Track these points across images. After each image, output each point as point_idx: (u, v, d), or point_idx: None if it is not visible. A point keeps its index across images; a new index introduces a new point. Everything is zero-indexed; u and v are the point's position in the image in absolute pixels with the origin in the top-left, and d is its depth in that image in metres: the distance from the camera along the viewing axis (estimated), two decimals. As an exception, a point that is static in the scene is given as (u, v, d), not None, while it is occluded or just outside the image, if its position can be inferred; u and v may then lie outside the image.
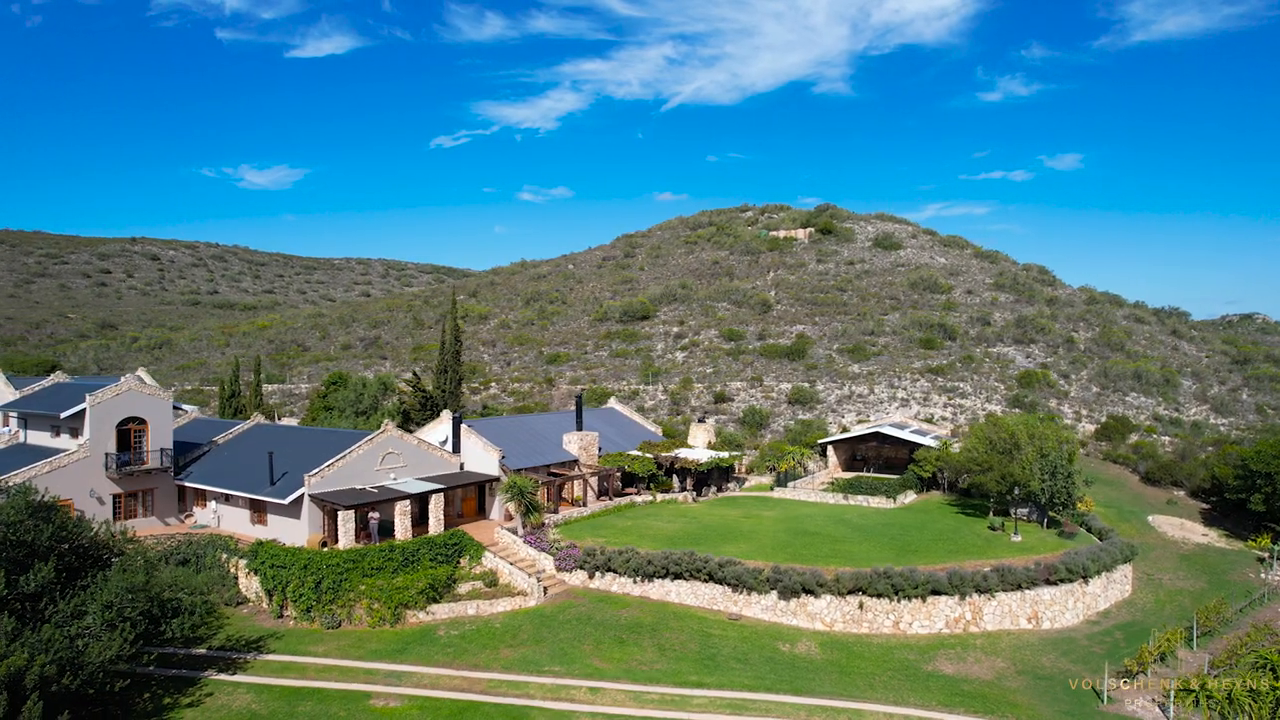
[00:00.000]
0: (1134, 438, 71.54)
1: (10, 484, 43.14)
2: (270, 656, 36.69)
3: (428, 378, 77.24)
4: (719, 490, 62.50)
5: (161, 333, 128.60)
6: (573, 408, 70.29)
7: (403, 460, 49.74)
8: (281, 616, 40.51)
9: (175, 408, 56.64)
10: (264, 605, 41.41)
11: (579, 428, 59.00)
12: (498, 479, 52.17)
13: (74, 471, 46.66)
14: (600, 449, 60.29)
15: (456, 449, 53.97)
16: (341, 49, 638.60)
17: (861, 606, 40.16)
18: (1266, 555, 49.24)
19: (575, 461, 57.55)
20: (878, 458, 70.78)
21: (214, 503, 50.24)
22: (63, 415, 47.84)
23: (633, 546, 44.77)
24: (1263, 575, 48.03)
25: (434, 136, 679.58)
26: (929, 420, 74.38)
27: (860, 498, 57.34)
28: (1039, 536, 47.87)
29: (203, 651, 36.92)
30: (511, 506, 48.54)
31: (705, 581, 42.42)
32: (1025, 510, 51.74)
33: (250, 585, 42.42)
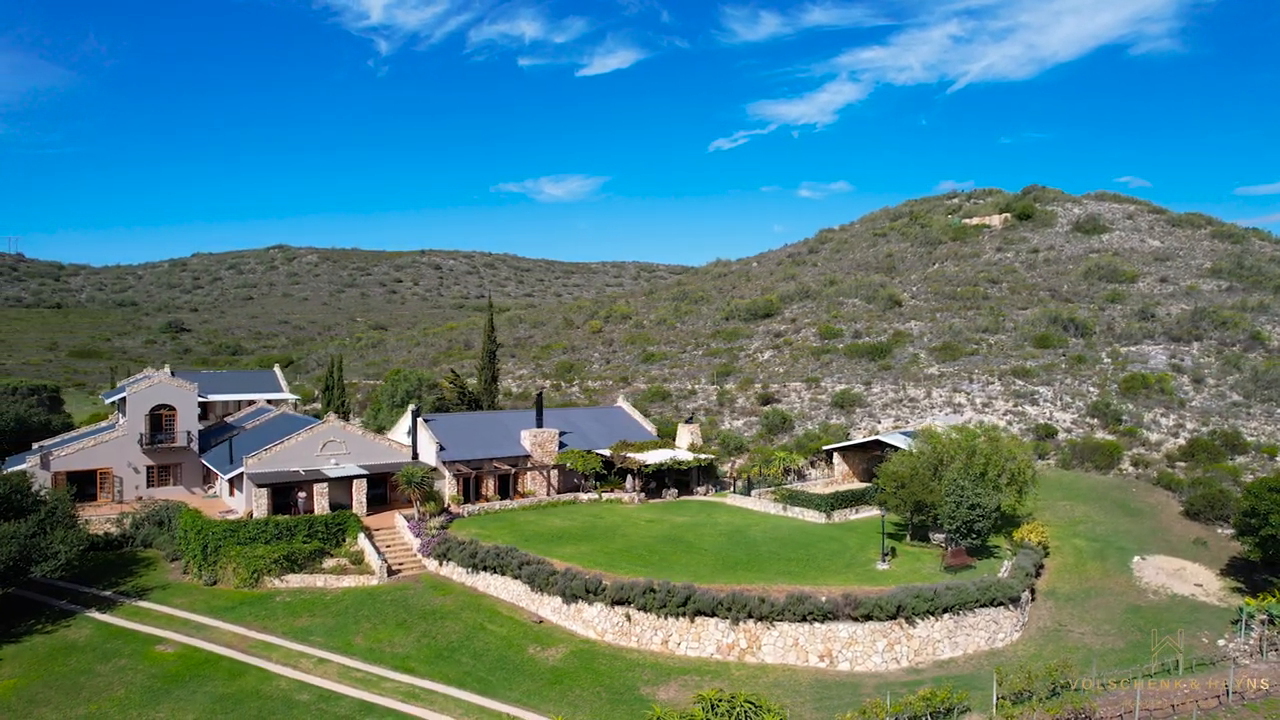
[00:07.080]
0: (1238, 459, 56.38)
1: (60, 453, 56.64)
2: (141, 603, 44.50)
3: (469, 375, 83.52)
4: (680, 493, 60.96)
5: (377, 334, 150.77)
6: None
7: (346, 448, 56.00)
8: (187, 573, 48.58)
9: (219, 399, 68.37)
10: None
11: (538, 425, 61.22)
12: (434, 469, 56.51)
13: (114, 446, 59.27)
14: (564, 445, 61.93)
15: (415, 441, 59.21)
16: (625, 63, 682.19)
17: (629, 619, 38.44)
18: (1240, 617, 37.32)
19: (528, 457, 59.96)
20: (904, 469, 63.49)
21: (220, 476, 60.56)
22: (107, 400, 60.91)
23: (476, 539, 46.68)
24: (1219, 641, 36.76)
25: (713, 139, 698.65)
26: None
27: (797, 509, 52.89)
28: (914, 566, 41.36)
29: (108, 594, 45.91)
30: (414, 494, 52.65)
31: (512, 578, 43.17)
32: (941, 537, 44.63)
33: (186, 545, 51.20)
